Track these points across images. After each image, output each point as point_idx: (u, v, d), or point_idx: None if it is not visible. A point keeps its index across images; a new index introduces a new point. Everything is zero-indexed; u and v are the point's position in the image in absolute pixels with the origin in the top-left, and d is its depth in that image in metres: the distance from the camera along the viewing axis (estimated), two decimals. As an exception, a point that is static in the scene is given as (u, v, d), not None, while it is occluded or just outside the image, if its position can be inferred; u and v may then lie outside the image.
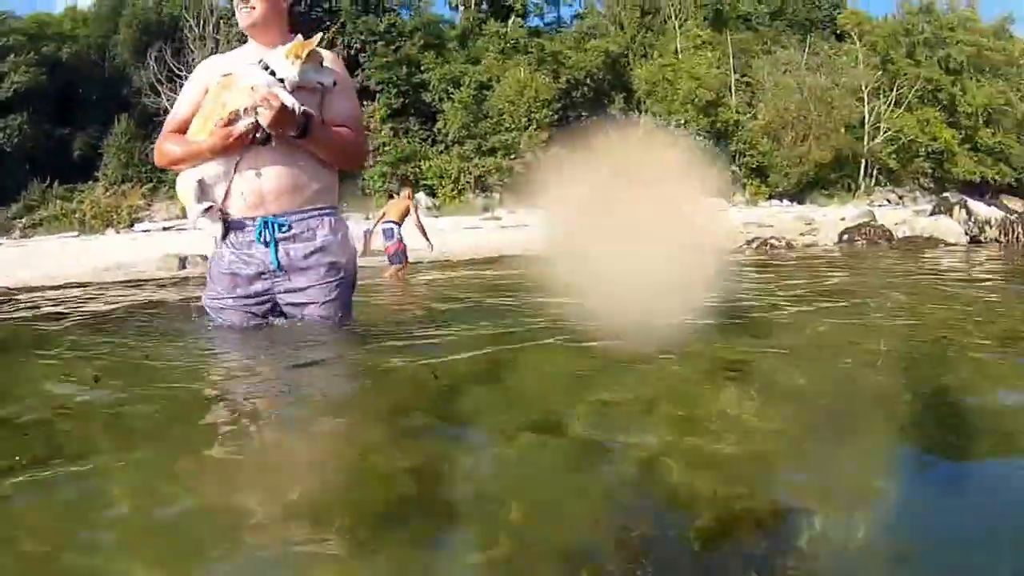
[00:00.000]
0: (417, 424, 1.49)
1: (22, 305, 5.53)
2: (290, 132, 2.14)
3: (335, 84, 2.25)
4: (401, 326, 2.94)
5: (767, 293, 3.81)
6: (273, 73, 2.12)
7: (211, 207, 2.23)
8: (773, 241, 9.46)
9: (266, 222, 2.23)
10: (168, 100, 28.05)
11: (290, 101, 2.09)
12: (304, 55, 2.14)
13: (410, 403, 1.64)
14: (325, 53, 2.29)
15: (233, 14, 2.43)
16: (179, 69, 28.20)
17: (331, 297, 2.31)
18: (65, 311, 4.75)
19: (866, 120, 33.35)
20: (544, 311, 2.79)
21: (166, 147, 2.29)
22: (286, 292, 2.30)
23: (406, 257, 7.77)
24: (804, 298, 3.52)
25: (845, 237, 9.67)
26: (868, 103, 33.38)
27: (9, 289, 7.46)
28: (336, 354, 2.17)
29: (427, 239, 8.42)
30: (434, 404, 1.63)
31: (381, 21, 30.34)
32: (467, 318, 3.16)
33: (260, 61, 2.17)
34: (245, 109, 2.12)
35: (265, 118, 2.10)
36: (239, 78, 2.18)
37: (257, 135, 2.15)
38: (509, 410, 1.57)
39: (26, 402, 1.72)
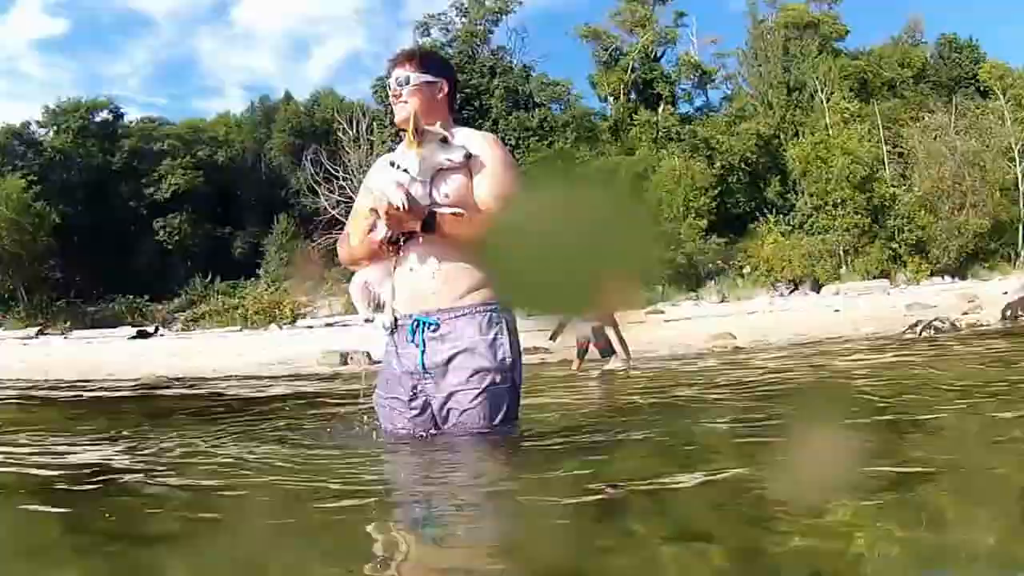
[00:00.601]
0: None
1: (183, 394, 5.62)
2: (411, 228, 2.06)
3: (469, 158, 2.10)
4: (578, 434, 2.64)
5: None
6: (398, 167, 2.08)
7: (372, 319, 2.22)
8: (937, 323, 8.77)
9: (418, 321, 2.13)
10: (327, 200, 29.07)
11: (397, 198, 1.99)
12: (415, 139, 2.07)
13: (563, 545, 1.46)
14: (461, 130, 2.21)
15: (386, 114, 2.38)
16: (335, 170, 29.24)
17: (472, 406, 2.11)
18: (224, 404, 4.78)
19: (1019, 181, 32.19)
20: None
21: (341, 248, 2.32)
22: (435, 396, 2.17)
23: (615, 349, 7.19)
24: None
25: (1008, 313, 9.21)
26: (1020, 163, 32.23)
27: (169, 378, 7.74)
28: (478, 475, 1.96)
29: (623, 348, 7.24)
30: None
31: (533, 117, 31.13)
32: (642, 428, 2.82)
33: (389, 160, 2.15)
34: (375, 212, 2.09)
35: (383, 220, 2.05)
36: (369, 182, 2.17)
37: (390, 236, 2.10)
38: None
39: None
